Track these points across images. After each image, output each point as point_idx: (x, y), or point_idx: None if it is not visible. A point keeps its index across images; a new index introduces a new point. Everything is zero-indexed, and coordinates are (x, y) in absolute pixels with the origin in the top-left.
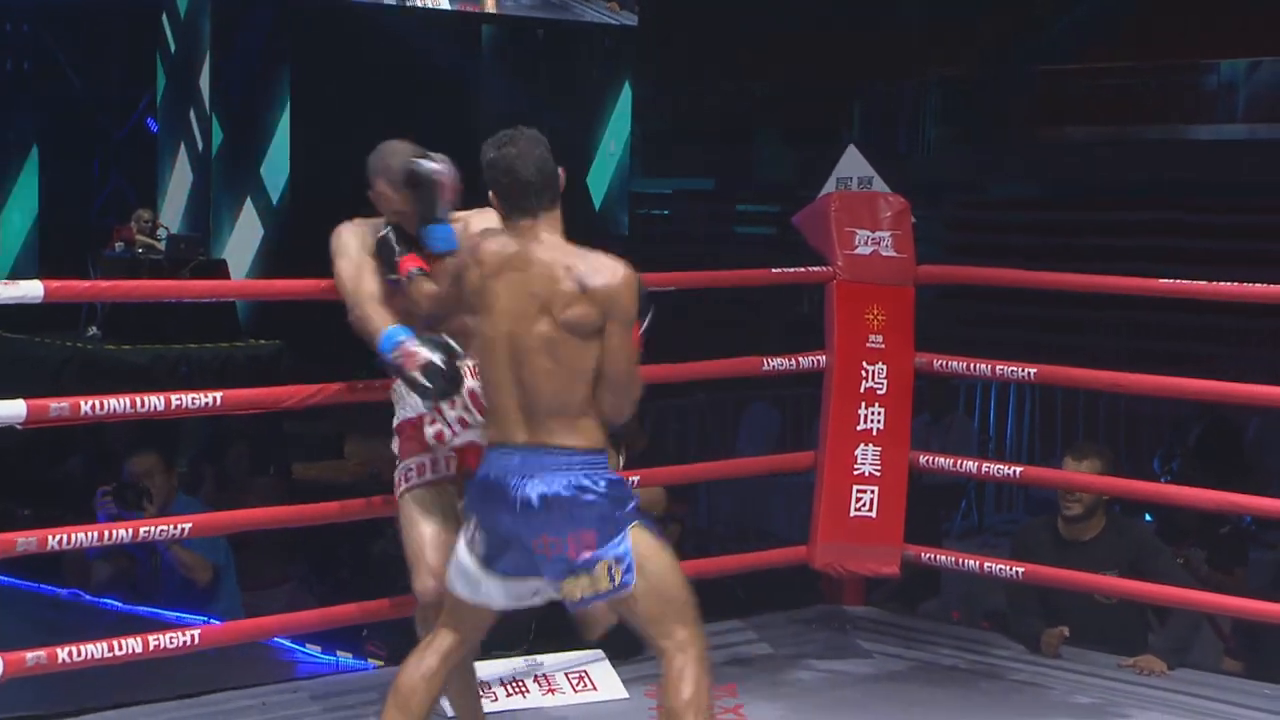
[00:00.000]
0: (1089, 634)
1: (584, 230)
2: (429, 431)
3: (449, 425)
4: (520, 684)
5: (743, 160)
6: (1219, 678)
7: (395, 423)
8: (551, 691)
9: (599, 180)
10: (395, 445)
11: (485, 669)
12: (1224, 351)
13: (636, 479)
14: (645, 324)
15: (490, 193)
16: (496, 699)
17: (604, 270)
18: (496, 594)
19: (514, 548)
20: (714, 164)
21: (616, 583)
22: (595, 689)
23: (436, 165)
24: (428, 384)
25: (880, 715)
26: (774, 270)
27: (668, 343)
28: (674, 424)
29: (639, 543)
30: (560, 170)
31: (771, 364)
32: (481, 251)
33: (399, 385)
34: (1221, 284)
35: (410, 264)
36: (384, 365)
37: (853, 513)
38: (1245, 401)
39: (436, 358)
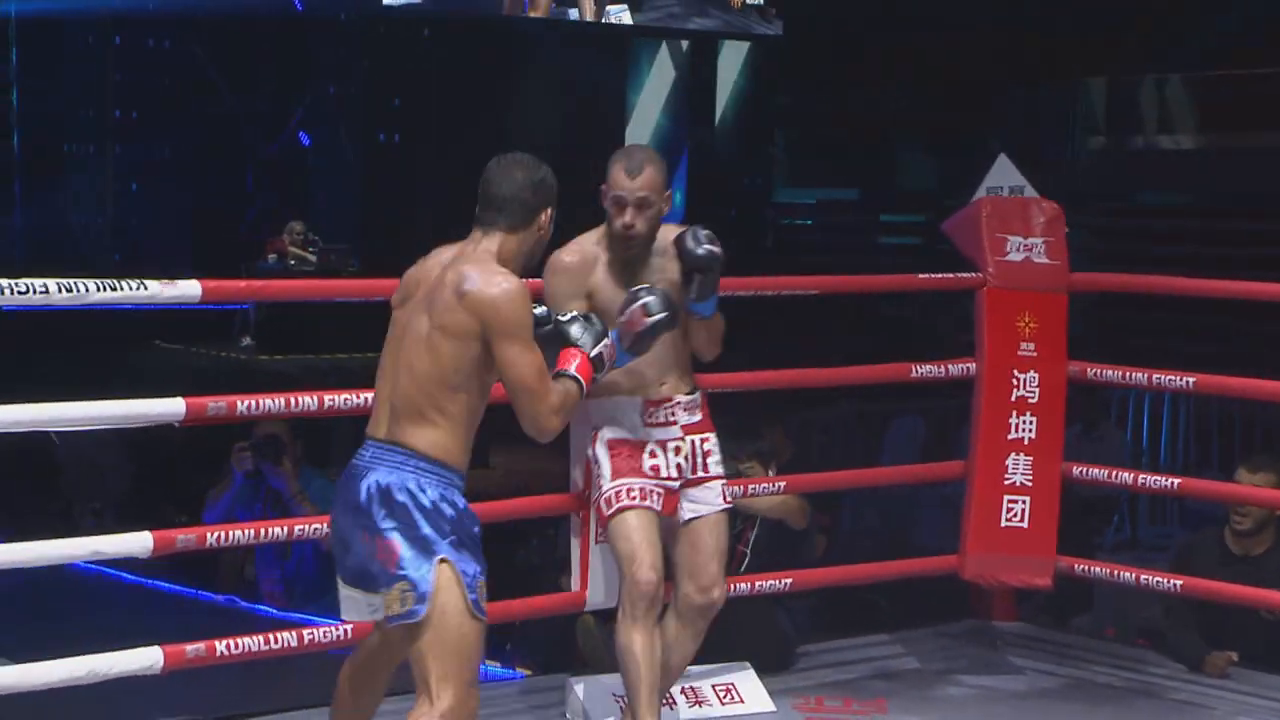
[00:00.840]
0: (1254, 652)
1: (724, 240)
2: (647, 462)
3: (669, 467)
4: (669, 696)
5: (886, 169)
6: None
7: (607, 437)
8: (699, 704)
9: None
10: (598, 458)
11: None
12: None
13: (782, 484)
14: (595, 349)
15: None
16: None
17: (488, 282)
18: (346, 606)
19: (350, 550)
20: (857, 174)
21: (404, 609)
22: (742, 701)
23: (717, 248)
24: (663, 313)
25: None
26: (921, 276)
27: (807, 350)
28: (818, 435)
29: (445, 582)
30: (548, 209)
31: (920, 370)
32: (431, 253)
33: (608, 402)
34: None
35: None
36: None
37: (1004, 523)
38: None
39: (652, 301)
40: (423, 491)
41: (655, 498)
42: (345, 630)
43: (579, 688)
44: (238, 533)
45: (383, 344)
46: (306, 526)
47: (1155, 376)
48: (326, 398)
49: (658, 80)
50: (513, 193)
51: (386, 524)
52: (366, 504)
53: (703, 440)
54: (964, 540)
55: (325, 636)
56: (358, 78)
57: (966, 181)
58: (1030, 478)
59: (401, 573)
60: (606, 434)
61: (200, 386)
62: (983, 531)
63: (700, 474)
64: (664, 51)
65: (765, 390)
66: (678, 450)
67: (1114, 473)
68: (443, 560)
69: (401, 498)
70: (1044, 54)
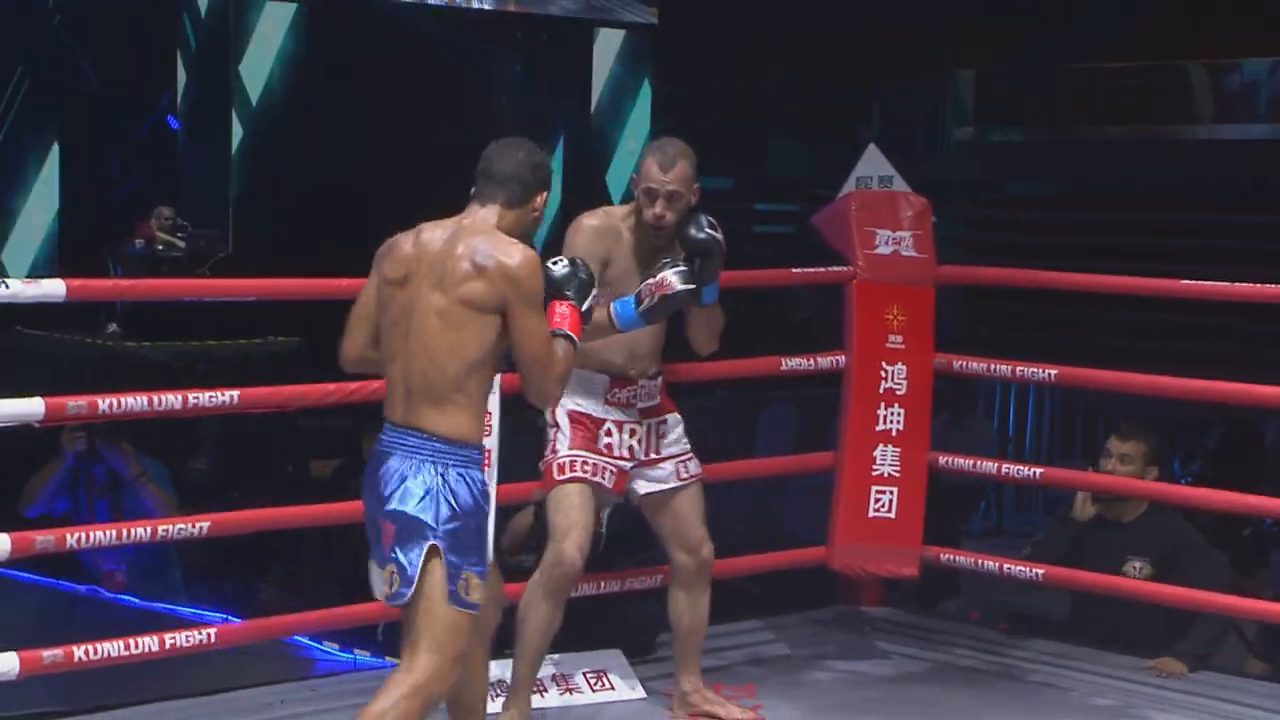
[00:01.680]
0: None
1: None
2: (602, 439)
3: (621, 447)
4: (540, 683)
5: (759, 158)
6: (1242, 680)
7: (568, 406)
8: (569, 691)
9: (619, 179)
10: (558, 422)
11: (505, 668)
12: (1243, 353)
13: None
14: (585, 303)
15: None
16: None
17: (504, 251)
18: (377, 587)
19: (373, 532)
20: (731, 163)
21: (391, 590)
22: (613, 688)
23: (719, 234)
24: (689, 285)
25: (898, 716)
26: (794, 270)
27: (683, 343)
28: (693, 424)
29: (431, 569)
30: (544, 193)
31: (790, 364)
32: (423, 229)
33: (577, 371)
34: (1244, 285)
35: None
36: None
37: (871, 513)
38: (1266, 404)
39: (685, 271)
40: (439, 476)
41: (607, 475)
42: (209, 634)
43: None
44: (99, 534)
45: (255, 331)
46: (171, 528)
47: (1019, 368)
48: (191, 396)
49: (533, 67)
50: (514, 171)
51: (389, 507)
52: (382, 487)
53: (659, 423)
54: (832, 531)
55: (188, 641)
56: (230, 60)
57: (839, 171)
58: (898, 469)
59: (393, 555)
60: (568, 403)
61: (64, 374)
62: (851, 522)
63: (653, 455)
64: (541, 38)
65: None
66: (632, 433)
67: (979, 462)
68: (432, 547)
69: (412, 483)
70: (915, 45)
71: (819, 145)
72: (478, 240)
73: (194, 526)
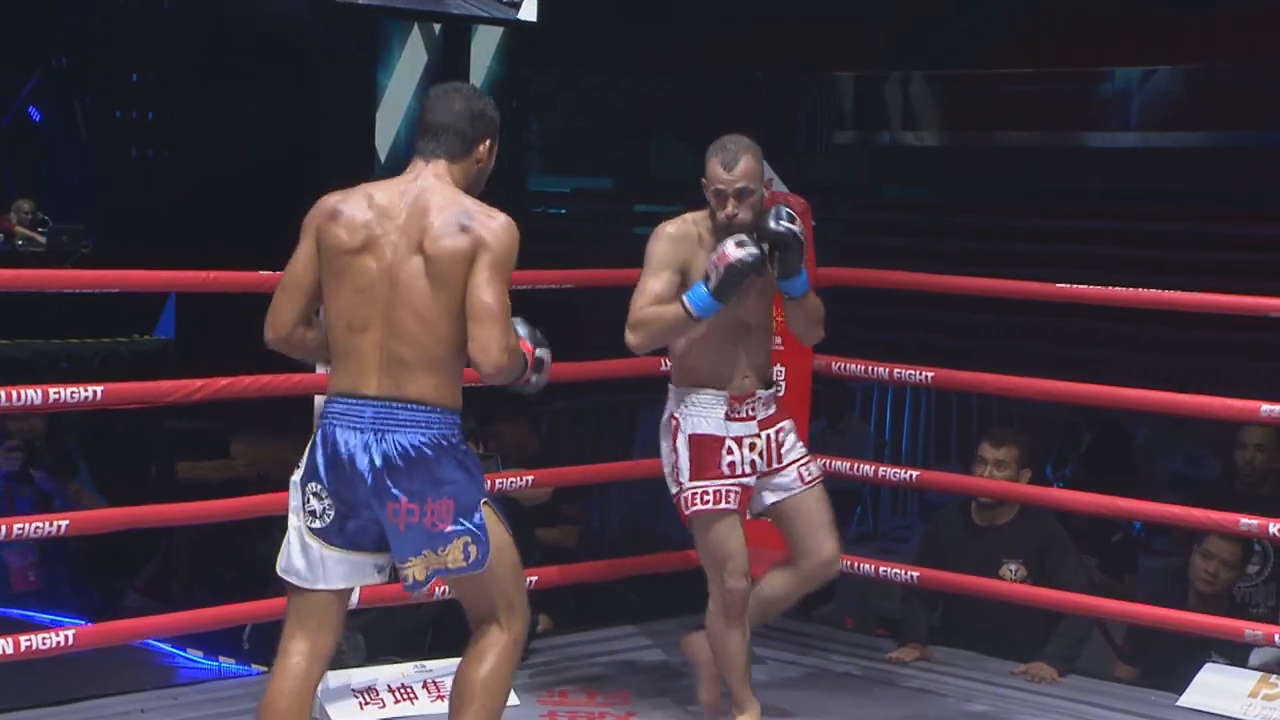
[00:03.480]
0: (992, 618)
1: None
2: (725, 459)
3: (743, 463)
4: (409, 690)
5: (641, 158)
6: (1111, 685)
7: (689, 431)
8: (441, 698)
9: (499, 176)
10: (677, 448)
11: (374, 675)
12: (1113, 357)
13: (530, 479)
14: (538, 350)
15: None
16: (385, 705)
17: (487, 212)
18: (335, 572)
19: (360, 515)
20: (612, 163)
21: (470, 560)
22: None
23: (796, 227)
24: (751, 251)
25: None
26: None
27: (562, 343)
28: (569, 427)
29: (492, 522)
30: (487, 141)
31: (669, 365)
32: (371, 192)
33: (691, 393)
34: (1119, 289)
35: None
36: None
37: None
38: (1136, 407)
39: (743, 237)
40: (447, 442)
41: (732, 497)
42: (66, 636)
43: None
44: None
45: (120, 330)
46: (28, 525)
47: (896, 370)
48: (52, 391)
49: (409, 62)
50: (450, 122)
51: (434, 487)
52: (404, 468)
53: (778, 431)
54: None
55: (44, 644)
56: (94, 50)
57: None
58: None
59: (459, 527)
60: (688, 428)
61: None
62: None
63: (775, 465)
64: (416, 33)
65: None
66: (753, 446)
67: (856, 465)
68: (485, 503)
69: (438, 455)
70: (797, 48)
71: (701, 146)
72: (453, 199)
73: (52, 525)
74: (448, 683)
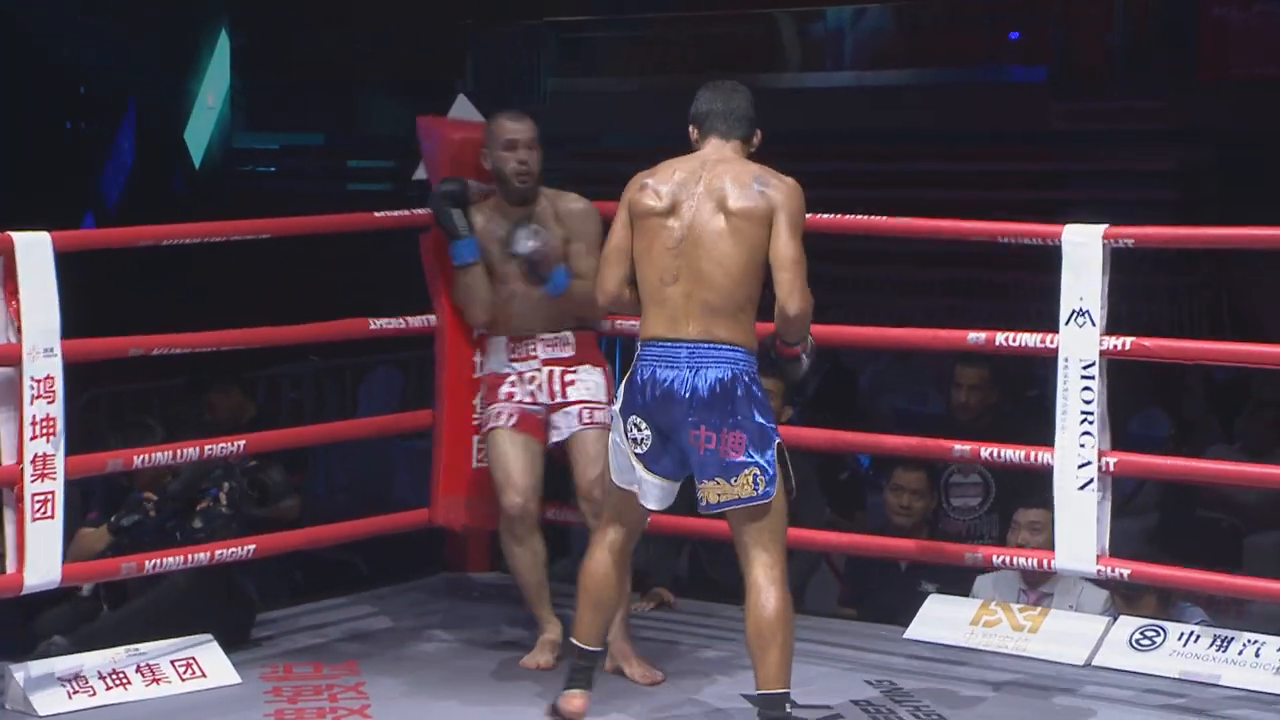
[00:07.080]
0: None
1: (186, 188)
2: (503, 390)
3: (523, 394)
4: (122, 675)
5: (351, 113)
6: (840, 622)
7: (483, 372)
8: (156, 681)
9: (198, 136)
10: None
11: (80, 662)
12: (838, 299)
13: (242, 444)
14: None
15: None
16: (95, 694)
17: (778, 176)
18: (651, 494)
19: (673, 444)
20: (321, 118)
21: (759, 491)
22: (205, 675)
23: (535, 244)
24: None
25: (503, 682)
26: (377, 214)
27: (274, 305)
28: (288, 392)
29: (779, 462)
30: (759, 131)
31: (379, 324)
32: (675, 165)
33: (487, 340)
34: (851, 217)
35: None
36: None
37: (475, 464)
38: (846, 344)
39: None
40: (753, 382)
41: (504, 416)
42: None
43: (19, 675)
44: None
45: None
46: None
47: None
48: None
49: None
50: (744, 111)
51: (732, 418)
52: (709, 397)
53: (564, 372)
54: (434, 486)
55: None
56: None
57: None
58: None
59: (752, 459)
60: (483, 369)
61: None
62: (453, 475)
63: (558, 400)
64: None
65: (222, 350)
66: (532, 379)
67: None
68: (779, 445)
69: (740, 390)
70: None
71: (413, 99)
72: (747, 168)
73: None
74: (163, 665)
